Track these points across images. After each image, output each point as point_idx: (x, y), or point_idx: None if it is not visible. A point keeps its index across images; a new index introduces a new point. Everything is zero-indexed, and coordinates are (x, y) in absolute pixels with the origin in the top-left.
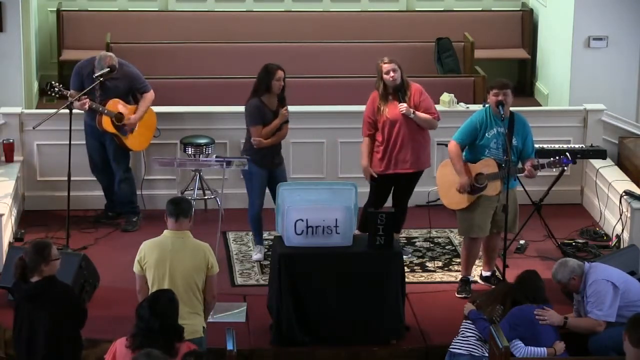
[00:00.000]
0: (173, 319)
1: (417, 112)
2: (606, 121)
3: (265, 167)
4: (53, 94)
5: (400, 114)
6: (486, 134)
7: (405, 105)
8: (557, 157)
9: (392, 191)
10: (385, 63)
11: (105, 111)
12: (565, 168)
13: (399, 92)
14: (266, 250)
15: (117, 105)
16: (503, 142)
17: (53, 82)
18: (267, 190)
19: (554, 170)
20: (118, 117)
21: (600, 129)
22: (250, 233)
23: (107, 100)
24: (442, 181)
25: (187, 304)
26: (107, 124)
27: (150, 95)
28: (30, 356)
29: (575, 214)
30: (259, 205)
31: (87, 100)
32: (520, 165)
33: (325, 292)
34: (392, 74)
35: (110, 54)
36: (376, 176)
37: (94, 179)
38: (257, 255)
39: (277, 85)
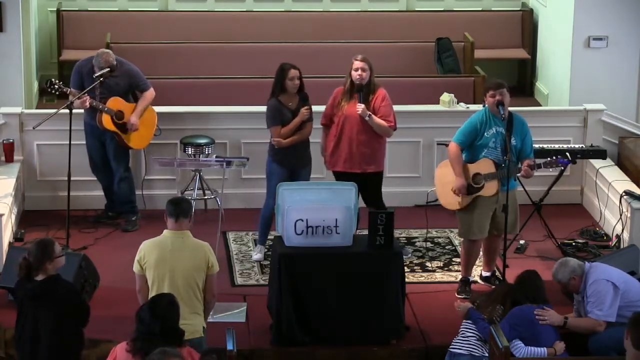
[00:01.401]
0: (173, 322)
1: (372, 116)
2: (606, 121)
3: (287, 167)
4: (53, 91)
5: (356, 113)
6: (485, 134)
7: (362, 106)
8: (553, 157)
9: (360, 193)
10: (357, 60)
11: (106, 109)
12: (563, 168)
13: (361, 91)
14: (266, 250)
15: (117, 103)
16: (502, 141)
17: (53, 80)
18: None
19: (551, 170)
20: (118, 115)
21: (600, 129)
22: (251, 233)
23: (108, 98)
24: (440, 181)
25: (187, 303)
26: (107, 122)
27: (149, 93)
28: (33, 355)
29: (575, 214)
30: (272, 204)
31: (87, 97)
32: (519, 166)
33: (325, 292)
34: (360, 72)
35: (107, 50)
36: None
37: (94, 179)
38: (257, 255)
39: (291, 85)
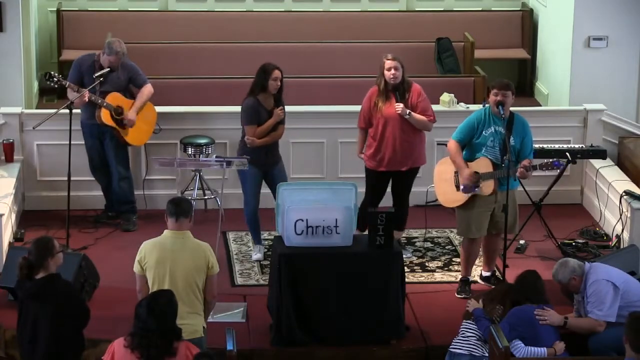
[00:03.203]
0: (171, 318)
1: (412, 113)
2: (606, 121)
3: (258, 166)
4: (52, 84)
5: (395, 113)
6: (483, 132)
7: (401, 105)
8: (549, 160)
9: (391, 189)
10: (388, 59)
11: (105, 104)
12: (558, 170)
13: (397, 90)
14: (266, 250)
15: (117, 99)
16: (500, 141)
17: (52, 72)
18: (268, 190)
19: (547, 172)
20: (117, 111)
21: (600, 129)
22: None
23: (108, 92)
24: (439, 179)
25: (187, 303)
26: (106, 117)
27: (147, 89)
28: (33, 354)
29: (575, 214)
30: (253, 204)
31: (86, 92)
32: (518, 166)
33: (325, 292)
34: (393, 71)
35: (117, 39)
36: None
37: (94, 179)
38: (256, 255)
39: (274, 85)
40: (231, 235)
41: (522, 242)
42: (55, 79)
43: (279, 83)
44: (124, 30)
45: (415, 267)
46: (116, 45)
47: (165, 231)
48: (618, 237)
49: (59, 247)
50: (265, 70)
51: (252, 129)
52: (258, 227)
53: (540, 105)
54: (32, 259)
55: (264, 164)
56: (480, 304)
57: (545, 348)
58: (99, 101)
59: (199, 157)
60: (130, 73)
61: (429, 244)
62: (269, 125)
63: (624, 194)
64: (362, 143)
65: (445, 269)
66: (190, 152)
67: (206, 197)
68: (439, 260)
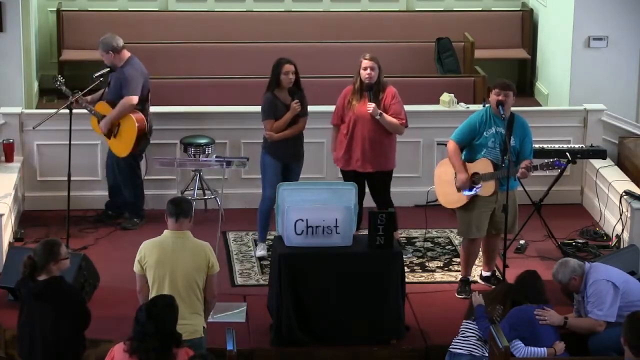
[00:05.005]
0: (170, 324)
1: (384, 115)
2: (606, 121)
3: (280, 159)
4: (56, 86)
5: (367, 112)
6: (484, 133)
7: (373, 105)
8: (550, 160)
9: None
10: (365, 59)
11: (93, 112)
12: (559, 170)
13: (371, 90)
14: (267, 250)
15: (104, 108)
16: (501, 141)
17: (58, 76)
18: None
19: (547, 172)
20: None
21: (600, 129)
22: (251, 233)
23: (108, 94)
24: (439, 180)
25: (188, 303)
26: (94, 125)
27: (127, 100)
28: (32, 354)
29: (575, 214)
30: (270, 198)
31: (78, 97)
32: (519, 167)
33: (325, 292)
34: (369, 71)
35: (110, 34)
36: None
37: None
38: (260, 252)
39: (286, 79)
40: (231, 235)
41: (522, 242)
42: (57, 83)
43: (292, 77)
44: (124, 30)
45: (415, 267)
46: (103, 37)
47: (165, 231)
48: (618, 237)
49: (65, 253)
50: (277, 65)
51: (270, 124)
52: (268, 225)
53: (540, 105)
54: (36, 260)
55: (283, 157)
56: (480, 300)
57: (545, 348)
58: (88, 108)
59: (199, 157)
60: (121, 80)
61: (429, 244)
62: (286, 119)
63: (624, 194)
64: (335, 140)
65: (445, 269)
66: (190, 152)
67: (206, 197)
68: (439, 260)
